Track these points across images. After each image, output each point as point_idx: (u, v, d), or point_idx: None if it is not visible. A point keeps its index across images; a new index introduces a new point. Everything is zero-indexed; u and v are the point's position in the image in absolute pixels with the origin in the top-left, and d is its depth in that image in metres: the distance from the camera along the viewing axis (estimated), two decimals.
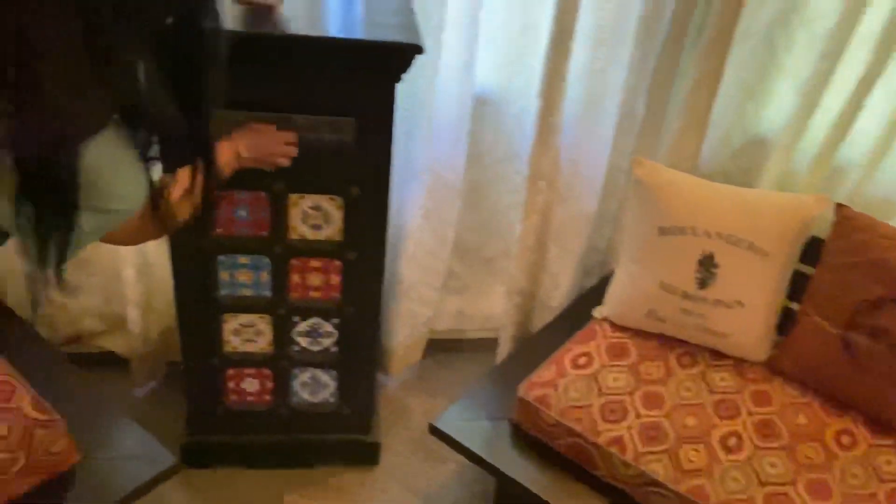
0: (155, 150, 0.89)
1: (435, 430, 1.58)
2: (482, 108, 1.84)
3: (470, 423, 1.61)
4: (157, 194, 0.91)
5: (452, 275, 2.08)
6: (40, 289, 1.86)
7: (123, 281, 1.76)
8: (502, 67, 1.78)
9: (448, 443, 1.57)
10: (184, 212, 1.02)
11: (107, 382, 1.90)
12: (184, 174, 0.99)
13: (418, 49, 1.26)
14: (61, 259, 0.79)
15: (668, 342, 1.67)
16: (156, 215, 0.93)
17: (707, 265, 1.62)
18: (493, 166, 1.93)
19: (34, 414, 1.34)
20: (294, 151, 1.34)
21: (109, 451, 1.43)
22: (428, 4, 1.54)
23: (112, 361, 1.93)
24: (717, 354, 1.66)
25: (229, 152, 1.25)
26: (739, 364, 1.65)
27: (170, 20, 0.81)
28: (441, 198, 1.83)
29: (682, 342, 1.67)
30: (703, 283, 1.62)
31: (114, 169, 0.81)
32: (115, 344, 1.93)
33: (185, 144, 0.92)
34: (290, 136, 1.34)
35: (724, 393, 1.58)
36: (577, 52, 1.67)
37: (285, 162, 1.34)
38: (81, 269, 1.86)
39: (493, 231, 2.05)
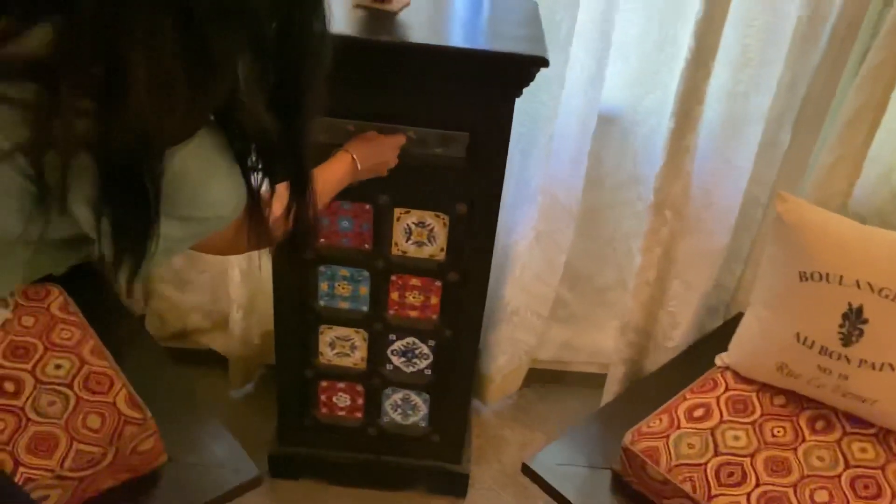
0: (254, 161, 0.82)
1: (528, 471, 1.47)
2: (607, 126, 1.71)
3: (567, 467, 1.49)
4: (256, 206, 0.85)
5: (561, 303, 1.96)
6: (153, 283, 1.90)
7: (229, 280, 1.75)
8: (634, 84, 1.66)
9: (541, 486, 1.46)
10: (279, 228, 0.96)
11: (205, 381, 1.92)
12: (284, 189, 0.94)
13: (543, 62, 1.17)
14: (136, 267, 0.74)
15: (799, 401, 1.48)
16: (253, 228, 0.87)
17: (853, 319, 1.42)
18: (615, 190, 1.80)
19: (127, 410, 1.33)
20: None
21: (196, 455, 1.41)
22: (557, 15, 1.44)
23: (214, 360, 1.94)
24: (859, 421, 1.45)
25: (344, 165, 1.20)
26: (885, 435, 1.43)
27: (273, 22, 0.74)
28: (555, 221, 1.72)
29: (816, 403, 1.48)
30: (847, 340, 1.42)
31: (205, 175, 0.76)
32: (217, 343, 1.94)
33: (284, 156, 0.85)
34: (401, 140, 1.28)
35: (864, 467, 1.37)
36: (718, 71, 1.52)
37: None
38: (193, 266, 1.88)
39: (609, 260, 1.92)
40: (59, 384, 1.36)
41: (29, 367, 1.39)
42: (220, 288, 1.87)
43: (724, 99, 1.55)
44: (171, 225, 0.74)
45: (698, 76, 1.49)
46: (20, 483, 1.21)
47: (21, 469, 1.22)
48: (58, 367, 1.40)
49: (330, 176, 1.18)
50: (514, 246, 1.71)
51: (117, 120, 0.64)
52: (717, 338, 1.68)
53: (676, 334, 1.82)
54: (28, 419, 1.29)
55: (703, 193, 1.66)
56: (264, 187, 0.84)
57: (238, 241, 0.92)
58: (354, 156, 1.20)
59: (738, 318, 1.62)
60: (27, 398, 1.32)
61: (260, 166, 0.82)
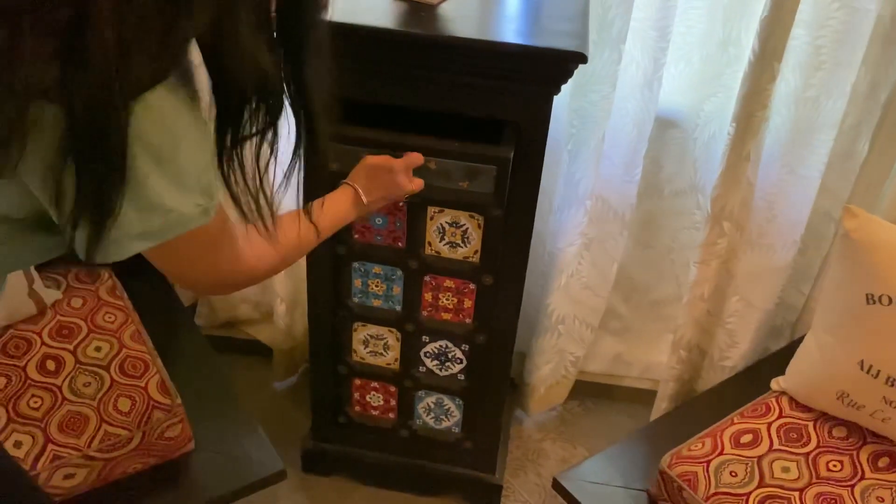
0: (250, 127, 0.70)
1: (558, 486, 1.40)
2: (666, 131, 1.63)
3: (602, 486, 1.41)
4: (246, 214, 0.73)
5: (614, 314, 1.88)
6: None
7: (275, 276, 1.76)
8: (695, 87, 1.56)
9: (571, 503, 1.39)
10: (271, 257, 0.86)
11: (250, 371, 1.94)
12: (289, 218, 0.87)
13: (580, 58, 1.11)
14: (91, 248, 0.64)
15: (861, 434, 1.36)
16: (228, 246, 0.77)
17: None
18: (673, 198, 1.71)
19: (157, 395, 1.35)
20: (421, 184, 1.19)
21: (224, 445, 1.42)
22: (610, 12, 1.38)
23: (261, 351, 1.96)
24: None
25: (347, 198, 1.10)
26: None
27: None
28: (606, 227, 1.65)
29: (879, 437, 1.35)
30: None
31: (168, 146, 0.64)
32: (263, 334, 1.96)
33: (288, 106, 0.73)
34: (414, 161, 1.18)
35: None
36: (786, 75, 1.42)
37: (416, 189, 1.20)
38: None
39: (666, 271, 1.82)
40: (96, 366, 1.39)
41: (71, 347, 1.43)
42: (269, 280, 1.89)
43: (792, 104, 1.44)
44: (126, 213, 0.64)
45: (762, 79, 1.39)
46: (49, 460, 1.24)
47: (50, 446, 1.25)
48: (97, 348, 1.43)
49: (331, 207, 1.07)
50: (560, 252, 1.64)
51: (80, 57, 0.56)
52: (778, 360, 1.56)
53: (734, 354, 1.71)
54: (63, 398, 1.33)
55: (766, 205, 1.55)
56: (262, 161, 0.73)
57: (214, 265, 0.79)
58: (358, 188, 1.11)
59: (803, 340, 1.50)
60: (65, 377, 1.36)
61: (254, 128, 0.70)
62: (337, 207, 1.09)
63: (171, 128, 0.64)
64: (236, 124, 0.69)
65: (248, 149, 0.72)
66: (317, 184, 0.96)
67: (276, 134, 0.72)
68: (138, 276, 1.75)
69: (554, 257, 1.65)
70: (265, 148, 0.72)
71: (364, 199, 1.11)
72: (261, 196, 0.74)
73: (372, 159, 1.15)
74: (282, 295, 1.77)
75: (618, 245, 1.68)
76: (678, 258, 1.78)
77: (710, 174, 1.55)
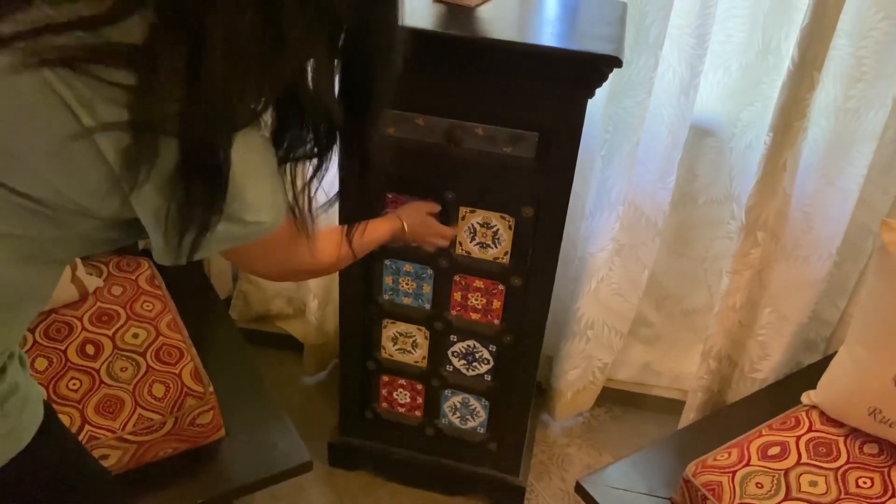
0: (305, 152, 0.84)
1: (581, 490, 1.40)
2: (703, 139, 1.62)
3: (625, 492, 1.41)
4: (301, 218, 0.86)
5: (644, 322, 1.87)
6: None
7: None
8: (734, 96, 1.55)
9: None
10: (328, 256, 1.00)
11: (282, 365, 1.97)
12: (331, 233, 1.02)
13: (616, 62, 1.11)
14: (191, 256, 0.76)
15: (893, 452, 1.34)
16: (295, 244, 0.90)
17: None
18: (708, 208, 1.70)
19: (190, 383, 1.39)
20: (453, 237, 1.36)
21: (253, 434, 1.45)
22: (647, 18, 1.38)
23: (293, 345, 1.99)
24: None
25: (392, 225, 1.25)
26: None
27: (351, 14, 0.75)
28: (638, 234, 1.64)
29: None
30: None
31: (253, 173, 0.77)
32: (296, 329, 1.99)
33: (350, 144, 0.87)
34: (455, 233, 1.37)
35: None
36: (826, 85, 1.40)
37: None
38: None
39: (700, 281, 1.81)
40: (133, 352, 1.43)
41: (110, 333, 1.47)
42: None
43: (831, 114, 1.43)
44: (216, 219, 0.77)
45: (801, 88, 1.38)
46: (85, 440, 1.28)
47: (87, 427, 1.29)
48: (135, 335, 1.47)
49: (376, 227, 1.23)
50: (591, 257, 1.64)
51: (197, 98, 0.68)
52: (810, 374, 1.54)
53: (765, 366, 1.69)
54: (101, 381, 1.37)
55: (803, 217, 1.53)
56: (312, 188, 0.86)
57: (285, 260, 0.94)
58: (405, 221, 1.26)
59: (837, 353, 1.48)
60: (104, 362, 1.40)
61: (315, 151, 0.83)
62: (379, 229, 1.24)
63: (256, 156, 0.76)
64: (292, 147, 0.81)
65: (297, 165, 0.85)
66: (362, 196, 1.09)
67: (328, 160, 0.86)
68: (176, 268, 1.80)
69: (585, 262, 1.65)
70: (315, 170, 0.85)
71: (407, 229, 1.27)
72: (304, 208, 0.87)
73: (425, 204, 1.33)
74: (314, 291, 1.80)
75: (650, 252, 1.67)
76: (711, 268, 1.76)
77: (746, 184, 1.54)
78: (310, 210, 0.88)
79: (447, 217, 1.35)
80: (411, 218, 1.28)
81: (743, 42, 1.49)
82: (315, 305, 1.82)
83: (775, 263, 1.60)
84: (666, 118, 1.50)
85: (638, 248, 1.66)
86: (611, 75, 1.16)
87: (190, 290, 1.75)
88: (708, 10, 1.38)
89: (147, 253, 1.82)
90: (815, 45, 1.34)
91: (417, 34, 1.16)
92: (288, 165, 0.84)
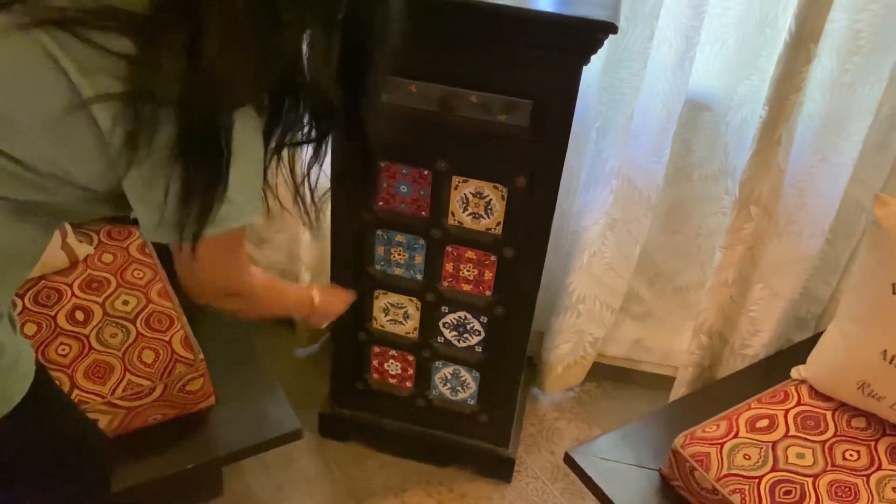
0: (303, 136, 0.84)
1: (570, 462, 1.41)
2: (699, 113, 1.61)
3: (615, 463, 1.41)
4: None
5: (636, 298, 1.87)
6: None
7: (300, 242, 1.79)
8: (730, 69, 1.54)
9: (581, 478, 1.39)
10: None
11: (274, 337, 1.97)
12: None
13: (611, 27, 1.10)
14: (198, 231, 0.75)
15: (880, 426, 1.34)
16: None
17: None
18: (703, 183, 1.70)
19: (180, 350, 1.38)
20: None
21: (243, 402, 1.45)
22: None
23: (287, 318, 1.98)
24: None
25: (303, 294, 1.18)
26: None
27: None
28: (631, 209, 1.64)
29: None
30: None
31: (244, 152, 0.76)
32: None
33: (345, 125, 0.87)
34: (353, 298, 1.30)
35: None
36: (822, 59, 1.39)
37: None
38: (271, 225, 1.93)
39: (693, 258, 1.81)
40: (123, 318, 1.43)
41: (100, 300, 1.47)
42: (295, 248, 1.91)
43: (826, 89, 1.42)
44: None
45: (797, 61, 1.37)
46: None
47: (76, 391, 1.29)
48: (125, 302, 1.47)
49: (285, 290, 1.18)
50: (583, 231, 1.64)
51: (197, 73, 0.68)
52: (800, 351, 1.54)
53: (756, 342, 1.69)
54: (90, 347, 1.37)
55: (797, 192, 1.53)
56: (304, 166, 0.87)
57: (235, 272, 0.92)
58: (316, 295, 1.18)
59: (827, 329, 1.48)
60: (93, 328, 1.40)
61: (312, 135, 0.84)
62: (288, 294, 1.18)
63: (248, 137, 0.76)
64: (287, 130, 0.82)
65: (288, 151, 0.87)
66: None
67: (327, 143, 0.87)
68: (165, 245, 1.80)
69: (577, 236, 1.65)
70: (314, 155, 0.87)
71: (316, 301, 1.17)
72: (308, 196, 0.90)
73: (346, 293, 1.28)
74: (306, 263, 1.80)
75: (642, 227, 1.67)
76: (705, 244, 1.76)
77: (741, 158, 1.54)
78: (313, 200, 0.90)
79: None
80: (325, 294, 1.20)
81: (741, 15, 1.48)
82: (308, 277, 1.82)
83: (768, 240, 1.59)
84: (661, 91, 1.50)
85: (630, 223, 1.66)
86: (606, 44, 1.16)
87: None
88: None
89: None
90: (813, 17, 1.33)
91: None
92: (286, 151, 0.85)
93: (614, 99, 1.48)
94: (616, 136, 1.51)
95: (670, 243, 1.80)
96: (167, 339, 1.40)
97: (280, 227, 1.93)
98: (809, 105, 1.45)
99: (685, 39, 1.42)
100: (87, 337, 1.38)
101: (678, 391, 1.77)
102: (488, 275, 1.43)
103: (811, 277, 1.66)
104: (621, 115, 1.49)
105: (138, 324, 1.42)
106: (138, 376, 1.33)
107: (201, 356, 1.39)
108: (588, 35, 1.12)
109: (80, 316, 1.42)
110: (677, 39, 1.43)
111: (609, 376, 1.92)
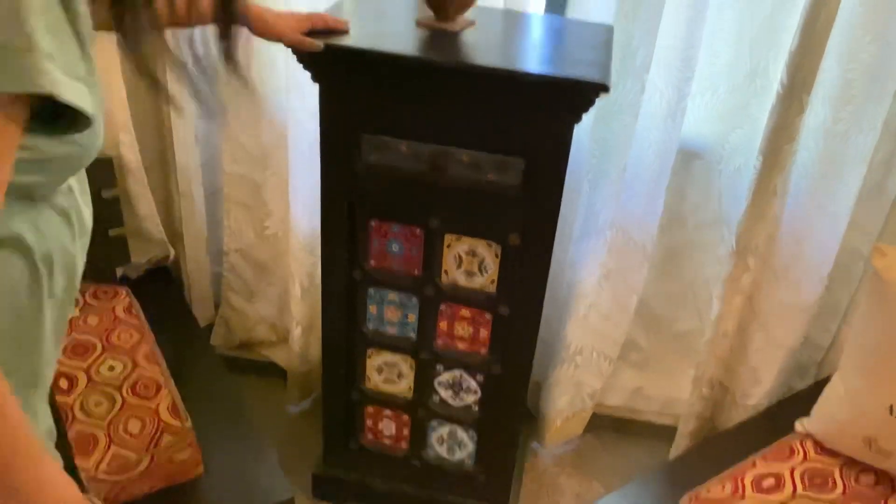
0: None
1: None
2: (691, 161, 1.60)
3: None
4: None
5: (634, 346, 1.84)
6: (223, 290, 1.93)
7: (291, 297, 1.75)
8: (722, 118, 1.54)
9: None
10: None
11: (265, 393, 1.92)
12: None
13: (603, 88, 1.09)
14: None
15: (889, 483, 1.31)
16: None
17: None
18: (697, 230, 1.68)
19: (168, 418, 1.34)
20: None
21: (233, 469, 1.40)
22: (633, 41, 1.36)
23: (277, 373, 1.94)
24: None
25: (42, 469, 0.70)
26: None
27: None
28: (626, 259, 1.61)
29: None
30: None
31: None
32: (279, 357, 1.95)
33: None
34: None
35: None
36: (815, 107, 1.39)
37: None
38: (261, 277, 1.90)
39: (689, 304, 1.78)
40: (109, 385, 1.39)
41: (85, 365, 1.43)
42: (286, 302, 1.88)
43: (820, 138, 1.41)
44: None
45: (790, 112, 1.36)
46: None
47: None
48: (111, 368, 1.43)
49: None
50: (579, 283, 1.61)
51: None
52: (802, 400, 1.51)
53: (757, 391, 1.66)
54: (74, 417, 1.32)
55: (794, 241, 1.51)
56: None
57: None
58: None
59: (829, 380, 1.45)
60: (77, 396, 1.36)
61: None
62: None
63: None
64: None
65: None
66: None
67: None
68: (154, 295, 1.77)
69: (572, 287, 1.62)
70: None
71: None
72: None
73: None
74: (298, 318, 1.76)
75: (638, 277, 1.64)
76: (702, 291, 1.74)
77: (736, 207, 1.52)
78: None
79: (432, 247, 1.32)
80: None
81: (730, 62, 1.48)
82: (298, 332, 1.78)
83: (766, 288, 1.57)
84: (653, 142, 1.48)
85: (626, 273, 1.64)
86: (597, 100, 1.14)
87: (169, 318, 1.71)
88: (695, 33, 1.37)
89: (126, 280, 1.77)
90: (804, 68, 1.32)
91: (400, 60, 1.15)
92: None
93: (606, 151, 1.46)
94: (609, 187, 1.49)
95: (666, 289, 1.77)
96: (154, 406, 1.36)
97: (270, 280, 1.90)
98: (803, 153, 1.43)
99: (677, 91, 1.41)
100: (71, 407, 1.34)
101: (680, 443, 1.73)
102: (483, 333, 1.39)
103: (811, 324, 1.63)
104: (614, 167, 1.47)
105: (124, 391, 1.38)
106: (124, 448, 1.28)
107: (189, 423, 1.35)
108: (579, 95, 1.11)
109: (63, 384, 1.38)
110: (669, 90, 1.42)
111: (609, 427, 1.88)
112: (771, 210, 1.47)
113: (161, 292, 1.83)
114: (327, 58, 1.15)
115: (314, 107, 1.24)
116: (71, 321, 1.51)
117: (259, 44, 1.60)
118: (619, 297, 1.66)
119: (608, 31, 1.32)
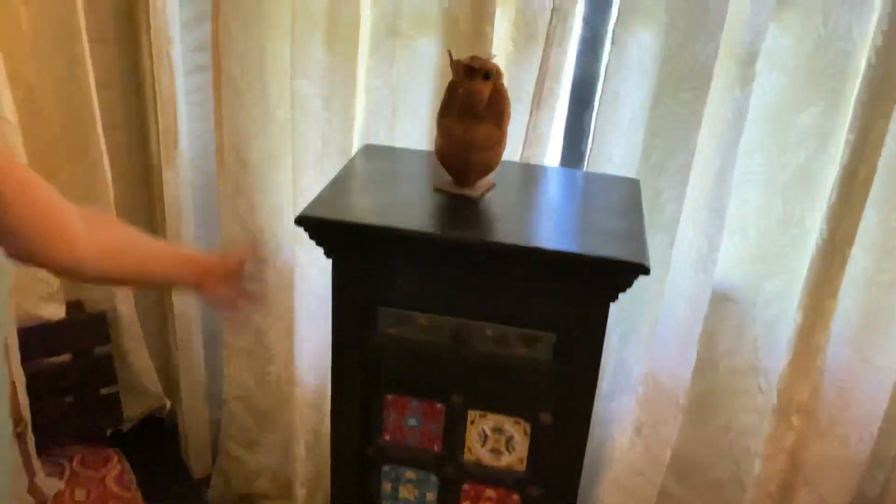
0: None
1: None
2: (723, 305, 1.50)
3: None
4: None
5: (668, 496, 1.70)
6: (221, 439, 1.80)
7: (295, 456, 1.63)
8: (753, 262, 1.45)
9: None
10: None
11: None
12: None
13: (643, 269, 1.00)
14: None
15: None
16: None
17: None
18: (731, 377, 1.57)
19: None
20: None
21: None
22: (662, 196, 1.29)
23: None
24: None
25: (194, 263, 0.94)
26: None
27: None
28: (659, 412, 1.50)
29: None
30: None
31: None
32: None
33: None
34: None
35: None
36: (857, 256, 1.31)
37: None
38: (261, 425, 1.77)
39: (724, 451, 1.65)
40: None
41: None
42: (288, 451, 1.75)
43: (863, 288, 1.33)
44: None
45: (833, 266, 1.28)
46: None
47: None
48: None
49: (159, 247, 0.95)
50: (610, 442, 1.49)
51: None
52: None
53: None
54: None
55: (838, 394, 1.41)
56: None
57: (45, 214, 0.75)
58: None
59: None
60: None
61: None
62: (153, 257, 0.90)
63: None
64: None
65: None
66: None
67: None
68: (147, 447, 1.64)
69: (602, 446, 1.51)
70: None
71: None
72: None
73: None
74: (303, 478, 1.63)
75: (671, 429, 1.53)
76: (737, 440, 1.62)
77: (774, 358, 1.42)
78: None
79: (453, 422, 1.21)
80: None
81: (760, 207, 1.41)
82: (303, 493, 1.65)
83: (811, 442, 1.46)
84: (684, 290, 1.40)
85: (659, 426, 1.52)
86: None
87: (163, 473, 1.59)
88: (725, 182, 1.30)
89: (117, 438, 1.64)
90: (846, 222, 1.25)
91: (417, 236, 1.06)
92: None
93: (637, 305, 1.38)
94: (640, 341, 1.40)
95: (700, 436, 1.65)
96: None
97: (270, 428, 1.77)
98: (846, 302, 1.35)
99: (707, 240, 1.34)
100: None
101: None
102: None
103: (860, 479, 1.51)
104: (645, 321, 1.38)
105: None
106: None
107: None
108: (616, 275, 1.02)
109: None
110: (699, 240, 1.34)
111: None
112: (814, 365, 1.37)
113: (155, 446, 1.71)
114: (340, 234, 1.07)
115: (321, 261, 1.16)
116: (56, 497, 1.38)
117: (263, 194, 1.53)
118: (651, 450, 1.54)
119: (634, 185, 1.25)
